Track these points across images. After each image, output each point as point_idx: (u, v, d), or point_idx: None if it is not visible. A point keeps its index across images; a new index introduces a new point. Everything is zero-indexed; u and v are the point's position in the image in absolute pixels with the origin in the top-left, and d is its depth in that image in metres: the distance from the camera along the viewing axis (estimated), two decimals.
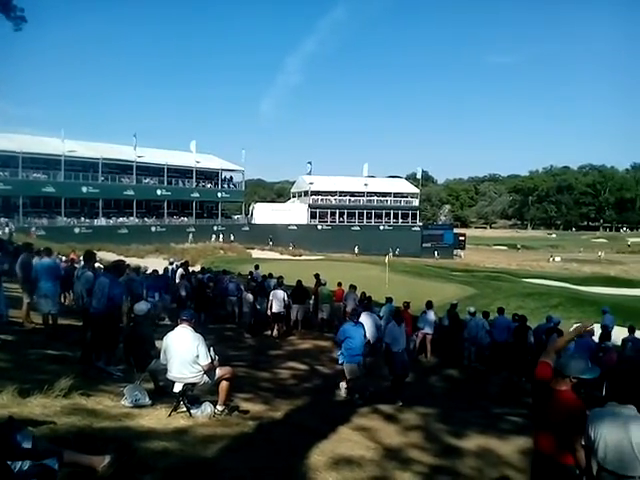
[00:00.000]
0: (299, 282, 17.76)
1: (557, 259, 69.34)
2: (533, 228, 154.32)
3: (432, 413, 9.33)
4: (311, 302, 18.66)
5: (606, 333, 16.65)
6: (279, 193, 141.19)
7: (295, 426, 7.23)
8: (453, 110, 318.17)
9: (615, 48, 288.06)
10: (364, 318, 11.33)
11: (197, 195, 67.49)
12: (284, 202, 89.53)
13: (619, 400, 4.49)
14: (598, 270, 56.80)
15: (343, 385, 10.06)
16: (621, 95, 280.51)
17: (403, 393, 10.31)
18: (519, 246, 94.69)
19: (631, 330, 14.64)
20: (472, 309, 16.70)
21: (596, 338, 13.50)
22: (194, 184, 67.16)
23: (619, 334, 15.48)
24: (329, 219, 75.09)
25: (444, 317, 16.53)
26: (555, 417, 4.44)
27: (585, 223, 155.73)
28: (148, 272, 18.63)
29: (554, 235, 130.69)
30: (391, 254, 52.90)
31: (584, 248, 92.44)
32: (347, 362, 9.80)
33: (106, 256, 34.36)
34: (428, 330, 15.36)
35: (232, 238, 62.27)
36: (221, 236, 62.48)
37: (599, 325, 15.00)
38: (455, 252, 75.36)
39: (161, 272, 18.89)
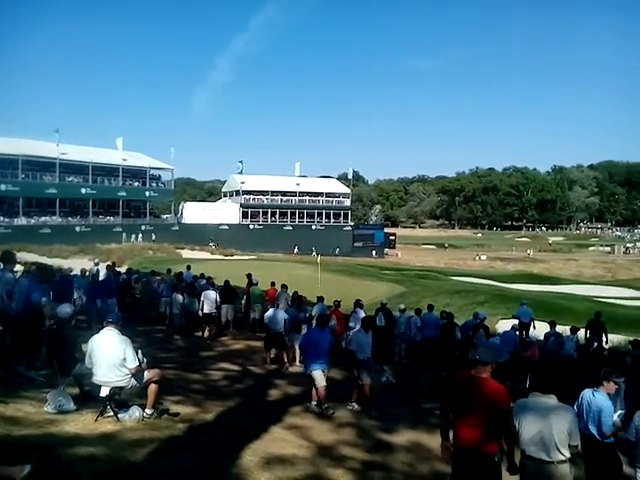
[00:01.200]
0: (227, 282, 17.58)
1: (483, 257, 71.51)
2: (460, 228, 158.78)
3: (364, 410, 9.44)
4: (243, 302, 18.50)
5: (523, 324, 17.43)
6: (210, 192, 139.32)
7: (227, 427, 7.14)
8: (383, 112, 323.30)
9: (535, 52, 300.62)
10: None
11: (124, 194, 65.42)
12: (215, 201, 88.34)
13: (542, 391, 4.70)
14: (522, 268, 58.99)
15: (314, 401, 9.40)
16: (542, 100, 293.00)
17: (374, 402, 10.00)
18: (447, 245, 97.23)
19: (552, 325, 15.29)
20: (402, 306, 17.00)
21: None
22: (121, 182, 65.06)
23: (542, 329, 16.13)
24: (261, 219, 74.52)
25: (379, 316, 16.71)
26: (480, 404, 4.56)
27: (509, 223, 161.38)
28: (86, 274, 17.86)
29: (480, 234, 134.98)
30: (317, 256, 53.49)
31: (508, 247, 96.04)
32: (314, 370, 9.39)
33: (27, 257, 32.89)
34: (358, 328, 15.48)
35: (153, 238, 60.03)
36: (140, 236, 60.33)
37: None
38: (387, 251, 76.82)
39: (102, 276, 18.14)
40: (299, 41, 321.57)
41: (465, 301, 29.06)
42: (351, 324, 15.46)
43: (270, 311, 14.04)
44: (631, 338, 14.90)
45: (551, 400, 4.66)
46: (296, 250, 63.87)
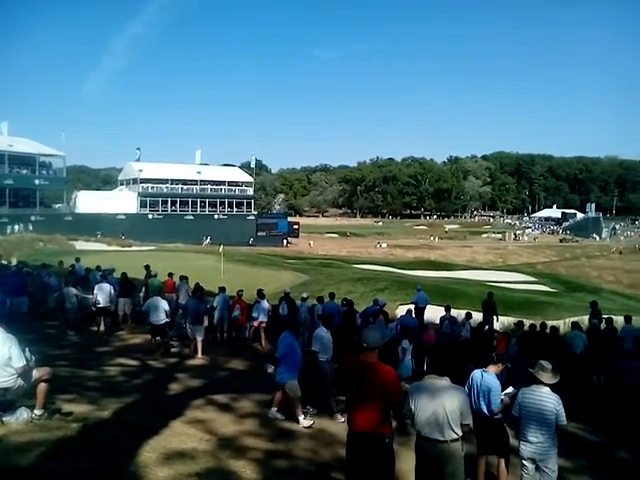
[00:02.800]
0: (124, 274, 16.96)
1: (384, 245, 73.54)
2: (362, 216, 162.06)
3: (267, 399, 9.41)
4: (141, 295, 17.91)
5: (418, 309, 18.08)
6: (105, 180, 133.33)
7: (124, 425, 6.90)
8: (286, 100, 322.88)
9: (430, 45, 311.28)
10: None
11: (11, 182, 61.01)
12: (111, 190, 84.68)
13: (437, 373, 4.89)
14: (420, 255, 61.25)
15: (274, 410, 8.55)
16: (438, 92, 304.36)
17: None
18: (349, 233, 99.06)
19: (447, 309, 15.93)
20: (305, 295, 17.11)
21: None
22: (7, 170, 60.89)
23: (438, 313, 16.77)
24: (160, 208, 72.44)
25: (282, 305, 16.72)
26: (370, 388, 4.64)
27: (408, 211, 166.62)
28: None
29: (381, 223, 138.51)
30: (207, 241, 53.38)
31: (407, 235, 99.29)
32: (290, 379, 8.42)
33: None
34: (262, 318, 15.45)
35: (30, 228, 56.55)
36: (22, 226, 56.46)
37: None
38: (292, 240, 77.04)
39: None
40: (198, 26, 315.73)
41: (366, 288, 29.74)
42: (254, 314, 15.40)
43: (150, 300, 13.82)
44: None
45: (444, 382, 4.87)
46: (208, 240, 62.54)
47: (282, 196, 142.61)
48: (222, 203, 77.24)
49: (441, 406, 4.69)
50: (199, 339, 13.15)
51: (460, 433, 4.75)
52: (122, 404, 7.98)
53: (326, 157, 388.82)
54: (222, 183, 78.41)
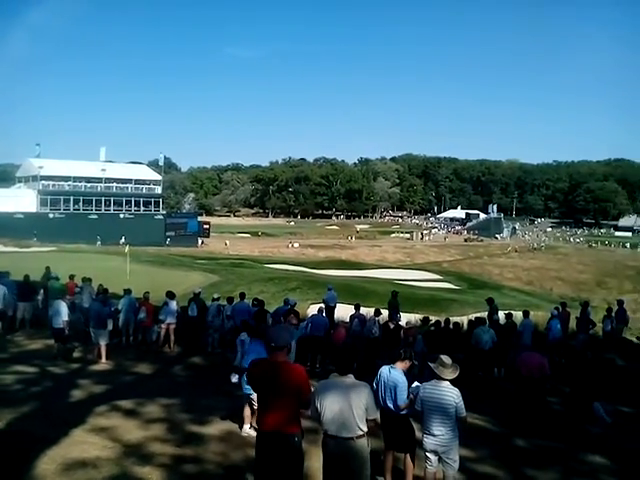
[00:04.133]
0: (27, 277, 16.09)
1: (296, 245, 73.78)
2: (274, 216, 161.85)
3: (175, 403, 9.20)
4: (40, 298, 17.00)
5: (328, 308, 18.28)
6: (1, 177, 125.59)
7: (20, 435, 6.55)
8: (196, 98, 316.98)
9: (342, 48, 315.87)
10: None
11: None
12: (8, 187, 79.81)
13: (342, 371, 4.95)
14: (331, 254, 61.91)
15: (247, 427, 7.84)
16: (349, 94, 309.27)
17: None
18: (260, 233, 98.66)
19: (357, 307, 16.17)
20: (215, 295, 16.89)
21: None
22: None
23: (348, 311, 16.99)
24: (62, 207, 69.05)
25: (191, 306, 16.40)
26: (280, 388, 4.62)
27: (320, 212, 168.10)
28: None
29: (293, 223, 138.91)
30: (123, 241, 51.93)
31: (319, 235, 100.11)
32: None
33: None
34: (171, 320, 15.10)
35: None
36: None
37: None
38: (203, 240, 75.61)
39: None
40: (104, 15, 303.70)
41: (278, 288, 29.76)
42: (161, 316, 15.03)
43: (51, 303, 13.52)
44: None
45: (349, 379, 4.94)
46: (122, 240, 59.80)
47: (192, 195, 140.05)
48: (128, 202, 74.60)
49: (347, 403, 4.74)
50: (102, 343, 12.66)
51: (366, 429, 4.82)
52: (18, 414, 7.57)
53: (238, 156, 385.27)
54: (128, 181, 75.77)
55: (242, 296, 16.24)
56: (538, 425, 9.66)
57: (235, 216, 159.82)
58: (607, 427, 9.74)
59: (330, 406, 4.78)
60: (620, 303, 19.78)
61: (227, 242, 74.95)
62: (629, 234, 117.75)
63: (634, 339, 20.06)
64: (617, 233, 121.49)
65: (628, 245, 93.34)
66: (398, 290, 21.64)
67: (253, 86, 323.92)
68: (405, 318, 18.62)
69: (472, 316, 18.21)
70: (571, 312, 18.73)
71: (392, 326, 14.35)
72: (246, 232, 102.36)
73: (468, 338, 14.06)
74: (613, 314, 18.86)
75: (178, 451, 6.85)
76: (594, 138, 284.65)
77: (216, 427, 8.02)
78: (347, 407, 4.75)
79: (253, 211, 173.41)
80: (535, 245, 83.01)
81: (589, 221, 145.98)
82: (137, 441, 6.99)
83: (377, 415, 5.00)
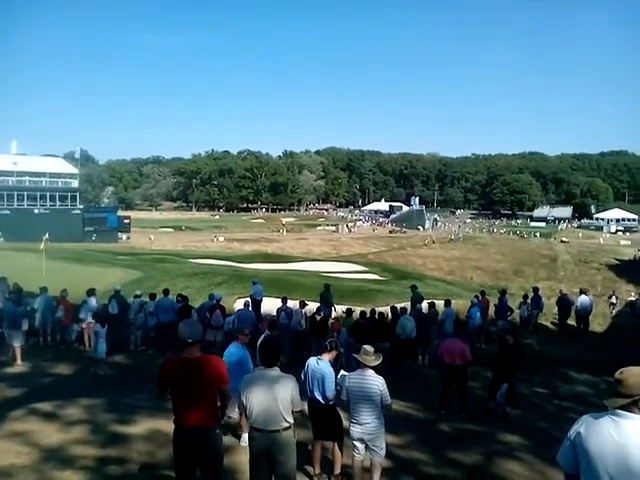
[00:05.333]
0: None
1: (221, 239, 72.80)
2: (198, 210, 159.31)
3: (98, 404, 8.88)
4: None
5: (255, 301, 18.24)
6: None
7: None
8: (113, 88, 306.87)
9: (264, 43, 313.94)
10: None
11: None
12: None
13: (267, 363, 4.96)
14: (257, 248, 61.47)
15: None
16: (274, 88, 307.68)
17: None
18: (184, 227, 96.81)
19: (284, 301, 16.17)
20: (138, 292, 16.45)
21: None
22: None
23: (275, 305, 16.95)
24: None
25: (112, 303, 15.91)
26: (197, 383, 4.59)
27: (245, 205, 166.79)
28: None
29: (217, 216, 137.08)
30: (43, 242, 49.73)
31: (244, 228, 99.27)
32: None
33: None
34: (91, 319, 14.58)
35: None
36: None
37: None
38: (122, 236, 73.20)
39: None
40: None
41: (203, 283, 29.28)
42: (81, 315, 14.51)
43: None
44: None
45: (274, 372, 4.95)
46: (46, 236, 56.37)
47: (111, 189, 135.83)
48: (43, 196, 71.03)
49: (273, 396, 4.77)
50: (17, 345, 12.12)
51: (292, 421, 4.86)
52: None
53: (159, 149, 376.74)
54: (43, 175, 72.10)
55: (166, 292, 15.94)
56: (461, 409, 10.01)
57: (157, 210, 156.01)
58: (503, 408, 10.22)
59: (256, 399, 4.78)
60: (535, 290, 20.76)
61: (152, 237, 73.07)
62: (543, 224, 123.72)
63: (549, 324, 21.14)
64: (532, 223, 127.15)
65: (538, 234, 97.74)
66: (325, 282, 21.75)
67: (173, 76, 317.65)
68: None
69: (398, 306, 18.55)
70: (490, 300, 19.47)
71: (318, 318, 14.43)
72: (169, 226, 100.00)
73: (393, 327, 14.34)
74: (529, 301, 19.77)
75: (101, 452, 6.61)
76: (510, 132, 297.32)
77: (141, 426, 7.79)
78: (273, 400, 4.76)
79: (176, 205, 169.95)
80: (452, 236, 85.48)
81: (506, 212, 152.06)
82: (57, 445, 6.69)
83: (304, 407, 5.03)
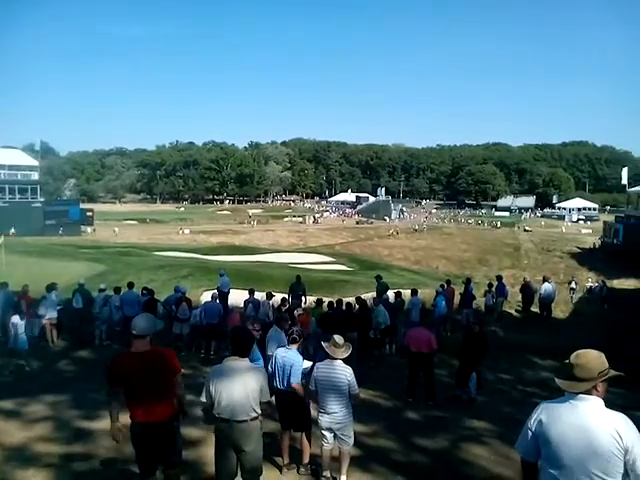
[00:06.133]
0: None
1: (186, 231, 72.11)
2: (162, 202, 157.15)
3: (62, 400, 8.73)
4: None
5: (222, 293, 18.15)
6: None
7: None
8: (73, 79, 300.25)
9: (230, 30, 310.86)
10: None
11: None
12: None
13: (236, 354, 4.94)
14: (224, 240, 61.09)
15: None
16: (240, 78, 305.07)
17: None
18: (149, 220, 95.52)
19: (251, 292, 16.12)
20: (102, 286, 16.21)
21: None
22: None
23: (243, 296, 16.88)
24: None
25: (76, 297, 15.64)
26: (150, 377, 4.59)
27: (211, 196, 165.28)
28: None
29: (183, 208, 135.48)
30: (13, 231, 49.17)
31: (210, 220, 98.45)
32: None
33: None
34: (51, 314, 14.31)
35: None
36: None
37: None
38: (83, 229, 71.85)
39: None
40: None
41: (169, 275, 29.03)
42: (40, 311, 14.22)
43: None
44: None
45: (243, 362, 4.95)
46: (12, 231, 54.60)
47: (73, 181, 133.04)
48: (2, 189, 69.09)
49: (242, 386, 4.77)
50: None
51: (259, 411, 4.87)
52: None
53: (121, 140, 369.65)
54: (1, 167, 69.91)
55: (130, 285, 15.74)
56: (427, 397, 10.13)
57: (120, 202, 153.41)
58: (472, 395, 10.41)
59: (225, 390, 4.78)
60: (499, 279, 21.09)
61: (116, 229, 71.91)
62: (507, 214, 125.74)
63: (513, 311, 21.53)
64: (496, 213, 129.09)
65: (499, 224, 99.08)
66: (293, 273, 21.75)
67: (136, 66, 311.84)
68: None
69: (364, 296, 18.66)
70: (456, 288, 19.72)
71: (284, 309, 14.42)
72: (133, 219, 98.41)
73: (361, 317, 14.36)
74: (494, 289, 20.08)
75: (66, 449, 6.51)
76: (474, 123, 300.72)
77: (107, 421, 7.52)
78: (242, 390, 4.77)
79: (140, 197, 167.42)
80: (417, 227, 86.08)
81: (471, 202, 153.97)
82: (19, 443, 6.57)
83: (272, 398, 5.05)
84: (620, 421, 2.98)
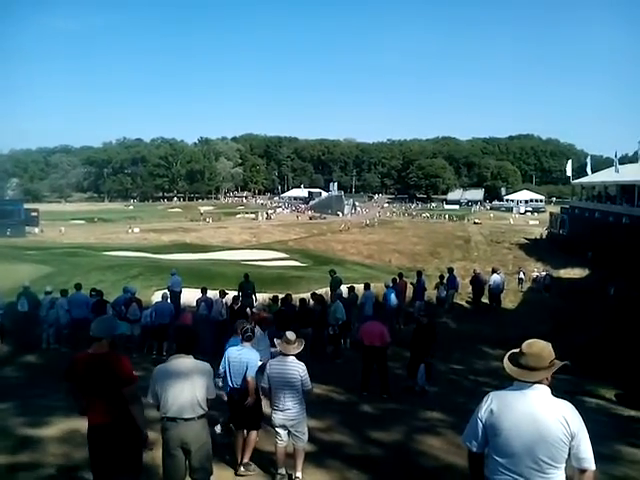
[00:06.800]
0: None
1: (136, 230, 70.75)
2: (110, 200, 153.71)
3: (6, 408, 8.44)
4: None
5: (174, 293, 17.96)
6: None
7: None
8: (14, 75, 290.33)
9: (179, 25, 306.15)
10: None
11: None
12: None
13: (182, 351, 4.89)
14: (175, 238, 60.15)
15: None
16: (185, 72, 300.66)
17: None
18: (96, 219, 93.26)
19: (203, 291, 15.94)
20: (49, 288, 15.77)
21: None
22: None
23: (195, 295, 16.68)
24: None
25: (21, 301, 15.15)
26: (105, 380, 4.52)
27: (161, 194, 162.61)
28: None
29: (132, 207, 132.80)
30: None
31: (160, 218, 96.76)
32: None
33: None
34: None
35: None
36: None
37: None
38: (42, 229, 69.48)
39: None
40: None
41: (119, 276, 28.41)
42: None
43: None
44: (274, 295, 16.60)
45: (188, 360, 4.89)
46: None
47: (16, 180, 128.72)
48: None
49: (188, 384, 4.73)
50: None
51: (206, 409, 4.84)
52: None
53: (67, 137, 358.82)
54: None
55: (78, 287, 15.35)
56: (381, 390, 10.22)
57: (67, 201, 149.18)
58: (422, 386, 10.58)
59: (171, 388, 4.75)
60: (450, 271, 21.48)
61: (62, 229, 69.93)
62: (457, 207, 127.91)
63: (464, 303, 21.96)
64: (446, 206, 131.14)
65: (447, 217, 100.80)
66: (246, 270, 21.59)
67: (79, 61, 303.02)
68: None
69: (318, 291, 18.68)
70: (408, 281, 19.96)
71: (236, 307, 14.29)
72: (80, 218, 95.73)
73: (320, 313, 14.32)
74: (445, 281, 20.43)
75: (11, 459, 6.28)
76: (424, 118, 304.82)
77: (56, 427, 7.45)
78: (189, 388, 4.73)
79: (87, 196, 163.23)
80: (368, 221, 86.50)
81: (421, 196, 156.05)
82: None
83: (214, 395, 5.02)
84: (567, 409, 3.09)
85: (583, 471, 3.05)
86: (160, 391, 4.75)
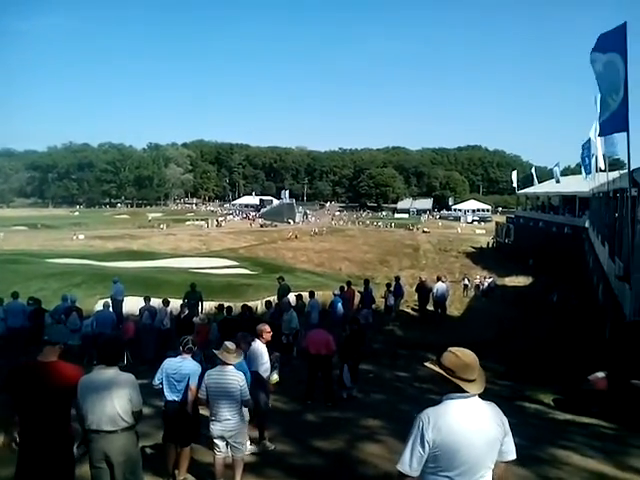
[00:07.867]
0: None
1: (81, 237, 68.99)
2: (55, 206, 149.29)
3: None
4: None
5: (116, 301, 17.58)
6: None
7: None
8: None
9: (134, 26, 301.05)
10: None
11: None
12: None
13: (105, 362, 4.75)
14: (122, 245, 58.95)
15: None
16: (134, 75, 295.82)
17: None
18: (40, 225, 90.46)
19: (147, 299, 15.61)
20: None
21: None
22: None
23: (139, 304, 16.32)
24: None
25: None
26: (51, 390, 4.39)
27: (107, 200, 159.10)
28: None
29: (77, 213, 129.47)
30: None
31: (107, 225, 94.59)
32: None
33: None
34: None
35: None
36: None
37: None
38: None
39: None
40: None
41: (61, 284, 27.66)
42: None
43: None
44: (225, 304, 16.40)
45: (112, 371, 4.75)
46: None
47: None
48: None
49: (111, 396, 4.60)
50: None
51: (131, 421, 4.70)
52: None
53: (9, 140, 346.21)
54: None
55: (15, 295, 14.80)
56: (326, 398, 10.21)
57: (9, 207, 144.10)
58: (350, 390, 10.64)
59: (92, 400, 4.60)
60: (397, 279, 21.75)
61: (1, 234, 67.50)
62: (406, 215, 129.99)
63: (410, 310, 22.24)
64: (396, 215, 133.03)
65: (393, 225, 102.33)
66: (195, 279, 21.29)
67: (24, 61, 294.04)
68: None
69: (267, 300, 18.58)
70: (357, 289, 20.08)
71: (182, 316, 14.07)
72: (22, 224, 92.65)
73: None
74: (392, 289, 20.65)
75: None
76: (375, 128, 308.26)
77: None
78: (110, 399, 4.59)
79: (30, 201, 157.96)
80: (316, 229, 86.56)
81: (372, 205, 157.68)
82: None
83: (141, 407, 4.88)
84: (498, 410, 3.10)
85: (507, 462, 3.11)
86: (82, 403, 4.60)
